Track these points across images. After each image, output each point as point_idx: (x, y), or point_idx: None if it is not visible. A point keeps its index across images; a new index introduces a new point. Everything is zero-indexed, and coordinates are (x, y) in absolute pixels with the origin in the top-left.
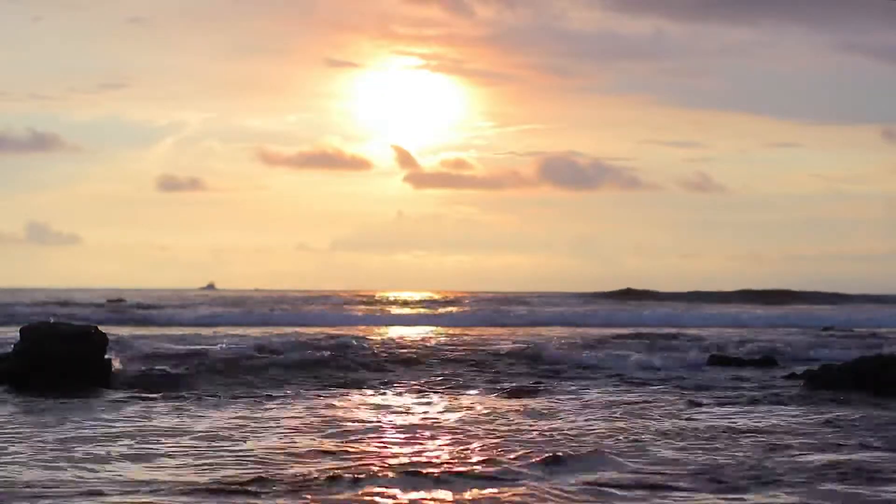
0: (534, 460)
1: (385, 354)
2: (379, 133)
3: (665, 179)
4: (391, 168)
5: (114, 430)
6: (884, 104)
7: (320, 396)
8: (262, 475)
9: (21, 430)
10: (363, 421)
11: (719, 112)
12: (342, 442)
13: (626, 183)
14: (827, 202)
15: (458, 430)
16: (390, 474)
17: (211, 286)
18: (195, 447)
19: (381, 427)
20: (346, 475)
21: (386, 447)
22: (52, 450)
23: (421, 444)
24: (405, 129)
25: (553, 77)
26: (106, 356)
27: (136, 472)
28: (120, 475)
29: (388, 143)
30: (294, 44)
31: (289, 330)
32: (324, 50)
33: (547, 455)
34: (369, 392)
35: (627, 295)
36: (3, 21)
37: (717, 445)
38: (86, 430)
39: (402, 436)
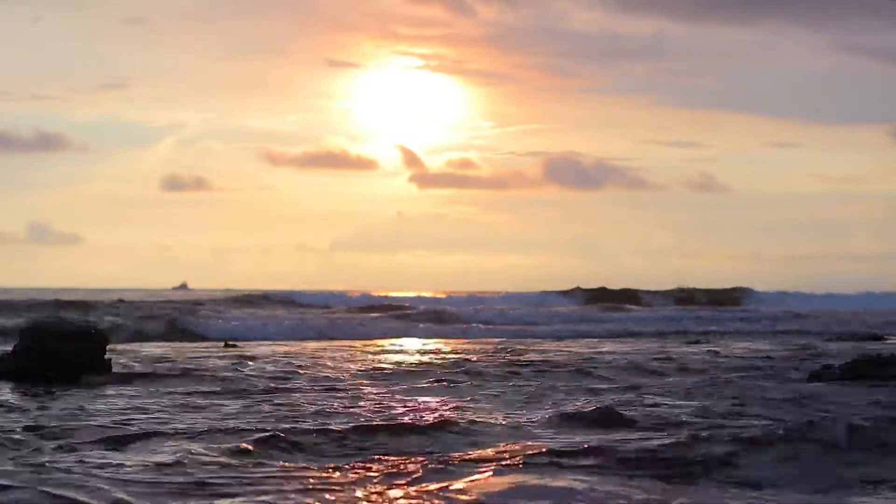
0: None
1: None
2: (379, 133)
3: (666, 180)
4: (391, 168)
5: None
6: (884, 104)
7: None
8: None
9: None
10: None
11: (720, 112)
12: None
13: (627, 183)
14: (827, 202)
15: None
16: None
17: (183, 286)
18: None
19: None
20: None
21: None
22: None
23: None
24: (405, 129)
25: (554, 77)
26: (106, 356)
27: None
28: None
29: (388, 144)
30: (294, 44)
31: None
32: (324, 50)
33: None
34: None
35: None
36: (4, 21)
37: None
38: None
39: None
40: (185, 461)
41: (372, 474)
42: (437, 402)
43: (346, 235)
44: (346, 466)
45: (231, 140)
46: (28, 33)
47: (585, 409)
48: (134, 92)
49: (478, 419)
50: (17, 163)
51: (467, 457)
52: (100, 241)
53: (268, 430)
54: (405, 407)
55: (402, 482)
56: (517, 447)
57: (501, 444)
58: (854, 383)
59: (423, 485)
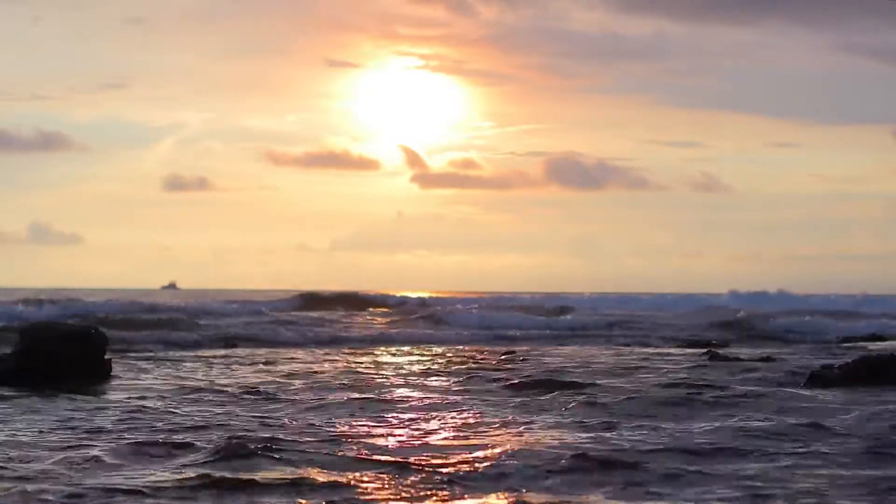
0: None
1: None
2: (379, 134)
3: (666, 180)
4: (392, 168)
5: None
6: (884, 104)
7: None
8: None
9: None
10: None
11: (720, 112)
12: None
13: (627, 183)
14: (827, 202)
15: None
16: None
17: (172, 286)
18: None
19: None
20: None
21: None
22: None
23: None
24: (405, 129)
25: (554, 77)
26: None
27: None
28: None
29: (389, 144)
30: (294, 44)
31: None
32: (324, 50)
33: None
34: None
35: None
36: (4, 21)
37: None
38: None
39: None
40: None
41: None
42: None
43: (346, 235)
44: None
45: (231, 140)
46: (28, 33)
47: None
48: (134, 92)
49: None
50: (18, 163)
51: None
52: (100, 241)
53: None
54: None
55: None
56: None
57: None
58: (847, 389)
59: None
